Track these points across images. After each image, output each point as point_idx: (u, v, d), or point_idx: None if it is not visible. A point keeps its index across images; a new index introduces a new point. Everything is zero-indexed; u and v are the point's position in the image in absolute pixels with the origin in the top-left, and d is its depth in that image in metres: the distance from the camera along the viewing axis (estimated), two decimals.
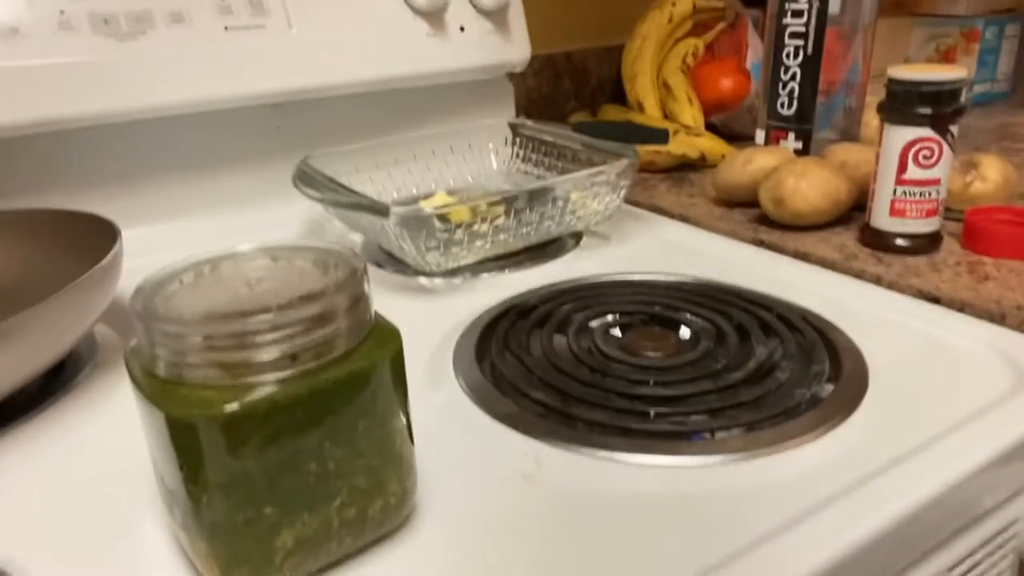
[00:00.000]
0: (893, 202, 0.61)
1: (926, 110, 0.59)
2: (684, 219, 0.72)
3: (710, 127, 0.92)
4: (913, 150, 0.60)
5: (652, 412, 0.40)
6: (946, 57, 1.13)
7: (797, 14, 0.73)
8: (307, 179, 0.63)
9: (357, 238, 0.68)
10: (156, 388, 0.27)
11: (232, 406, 0.26)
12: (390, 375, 0.30)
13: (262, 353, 0.27)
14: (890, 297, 0.54)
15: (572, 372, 0.44)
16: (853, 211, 0.67)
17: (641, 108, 0.93)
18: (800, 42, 0.73)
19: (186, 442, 0.26)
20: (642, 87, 0.93)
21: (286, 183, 0.63)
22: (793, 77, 0.75)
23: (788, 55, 0.75)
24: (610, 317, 0.51)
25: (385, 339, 0.31)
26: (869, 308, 0.52)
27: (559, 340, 0.48)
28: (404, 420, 0.32)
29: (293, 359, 0.27)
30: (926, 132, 0.60)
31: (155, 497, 0.32)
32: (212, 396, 0.26)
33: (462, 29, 0.77)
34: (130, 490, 0.36)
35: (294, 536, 0.29)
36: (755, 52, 0.97)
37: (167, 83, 0.64)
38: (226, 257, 0.31)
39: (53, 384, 0.46)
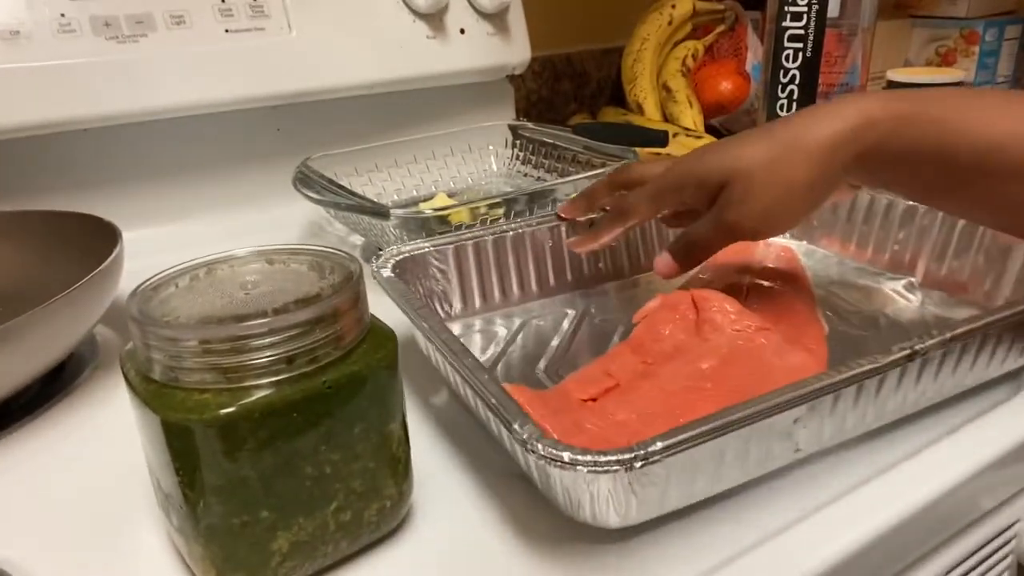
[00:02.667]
0: None
1: None
2: None
3: (710, 129, 0.92)
4: None
5: None
6: (946, 59, 1.13)
7: (796, 16, 0.73)
8: (307, 181, 0.63)
9: (357, 240, 0.68)
10: (152, 392, 0.27)
11: (228, 410, 0.26)
12: (386, 378, 0.30)
13: (258, 357, 0.26)
14: None
15: None
16: None
17: (641, 110, 0.93)
18: (799, 44, 0.73)
19: (182, 446, 0.27)
20: (642, 89, 0.93)
21: (286, 185, 0.63)
22: (792, 79, 0.75)
23: (787, 57, 0.75)
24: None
25: (381, 342, 0.31)
26: None
27: None
28: (400, 423, 0.32)
29: (289, 362, 0.27)
30: None
31: (152, 500, 0.32)
32: (208, 400, 0.26)
33: (462, 31, 0.78)
34: (128, 493, 0.36)
35: (290, 540, 0.29)
36: (754, 54, 0.97)
37: (167, 85, 0.64)
38: (221, 260, 0.31)
39: (53, 386, 0.46)
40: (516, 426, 0.29)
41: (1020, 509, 0.42)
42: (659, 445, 0.28)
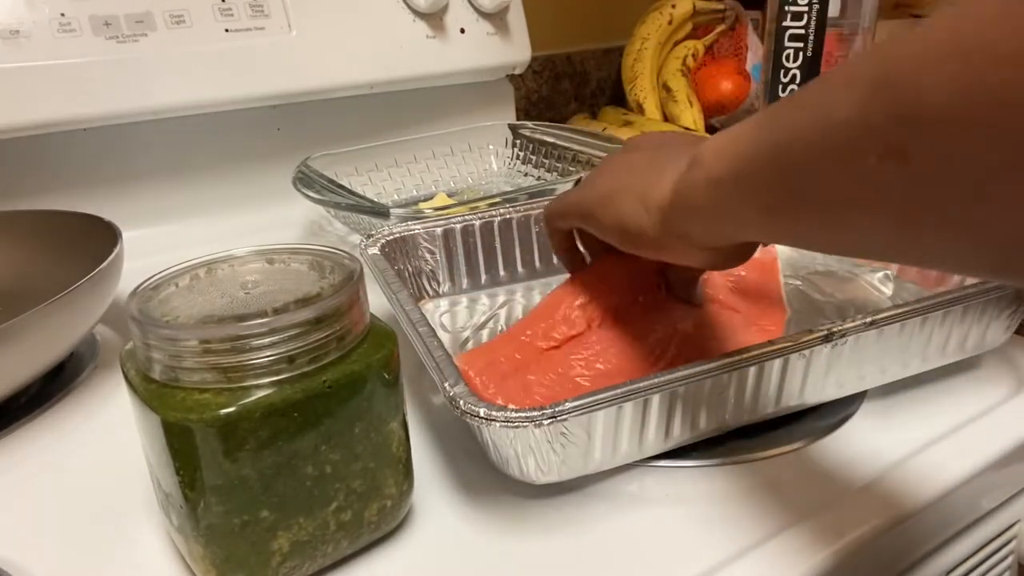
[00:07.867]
0: None
1: None
2: None
3: (710, 129, 0.92)
4: None
5: None
6: None
7: (797, 16, 0.73)
8: (307, 181, 0.63)
9: (357, 239, 0.68)
10: (152, 391, 0.27)
11: (228, 410, 0.26)
12: (386, 377, 0.30)
13: (258, 356, 0.26)
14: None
15: None
16: None
17: (641, 110, 0.93)
18: (800, 44, 0.73)
19: (182, 446, 0.27)
20: (642, 89, 0.93)
21: (286, 184, 0.63)
22: (793, 79, 0.75)
23: (788, 57, 0.75)
24: None
25: (381, 341, 0.31)
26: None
27: None
28: (401, 422, 0.32)
29: (289, 362, 0.27)
30: None
31: (152, 500, 0.32)
32: (208, 400, 0.26)
33: (462, 31, 0.78)
34: (128, 492, 0.36)
35: (290, 539, 0.29)
36: (755, 54, 0.97)
37: (167, 85, 0.64)
38: (222, 260, 0.31)
39: (54, 385, 0.46)
40: (447, 384, 0.31)
41: (1020, 509, 0.42)
42: (568, 405, 0.30)
